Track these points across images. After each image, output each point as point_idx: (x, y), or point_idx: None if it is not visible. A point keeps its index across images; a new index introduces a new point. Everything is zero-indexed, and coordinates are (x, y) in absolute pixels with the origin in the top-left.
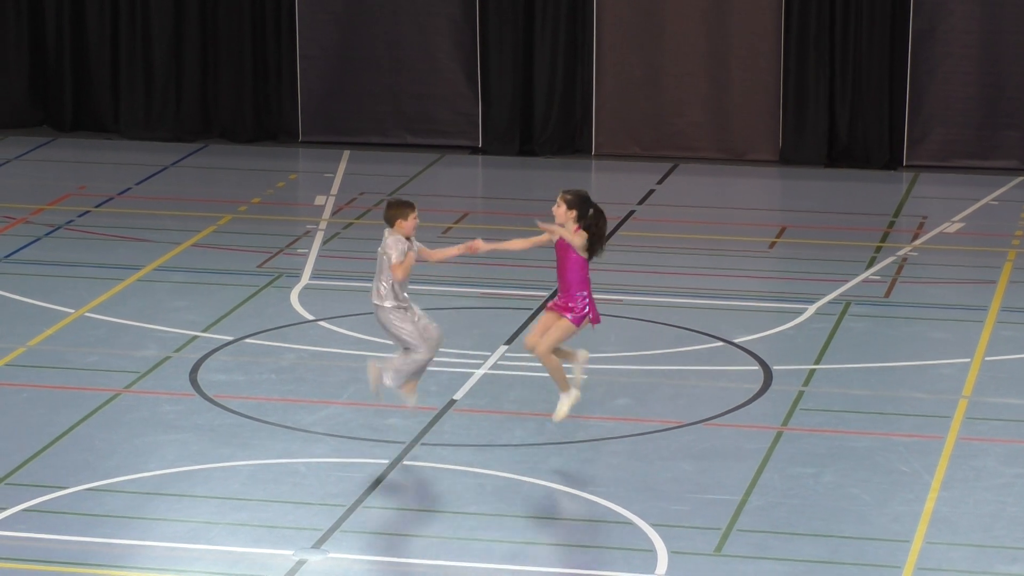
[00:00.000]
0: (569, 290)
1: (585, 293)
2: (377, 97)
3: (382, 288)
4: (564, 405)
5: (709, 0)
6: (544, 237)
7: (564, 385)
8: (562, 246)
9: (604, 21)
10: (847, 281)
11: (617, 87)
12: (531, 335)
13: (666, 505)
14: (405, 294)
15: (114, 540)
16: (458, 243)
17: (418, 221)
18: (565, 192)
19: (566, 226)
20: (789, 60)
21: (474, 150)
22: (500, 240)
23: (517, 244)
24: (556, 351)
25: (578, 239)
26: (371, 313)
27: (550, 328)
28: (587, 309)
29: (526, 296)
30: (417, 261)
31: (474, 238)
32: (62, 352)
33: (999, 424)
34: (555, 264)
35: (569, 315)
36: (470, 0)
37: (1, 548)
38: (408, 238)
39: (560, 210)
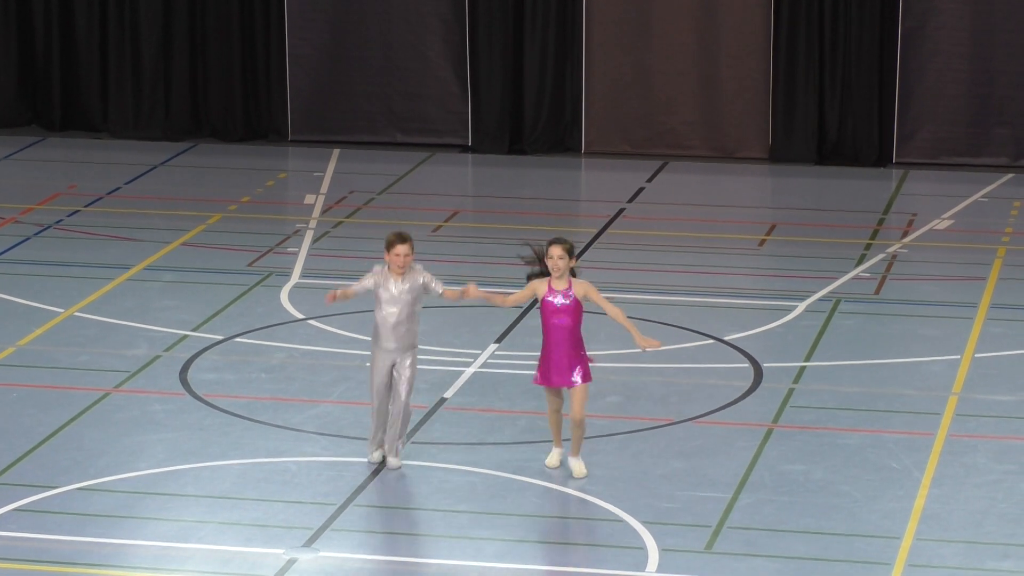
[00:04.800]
0: (582, 347)
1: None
2: (367, 96)
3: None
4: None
5: None
6: (527, 294)
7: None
8: (560, 300)
9: (593, 20)
10: (837, 278)
11: (607, 85)
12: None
13: (657, 503)
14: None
15: (105, 539)
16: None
17: (401, 257)
18: (562, 242)
19: (562, 277)
20: (779, 58)
21: (464, 148)
22: (496, 293)
23: (500, 300)
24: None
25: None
26: (363, 311)
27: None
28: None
29: None
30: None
31: (469, 281)
32: (52, 352)
33: (989, 421)
34: (559, 321)
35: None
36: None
37: None
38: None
39: (564, 262)
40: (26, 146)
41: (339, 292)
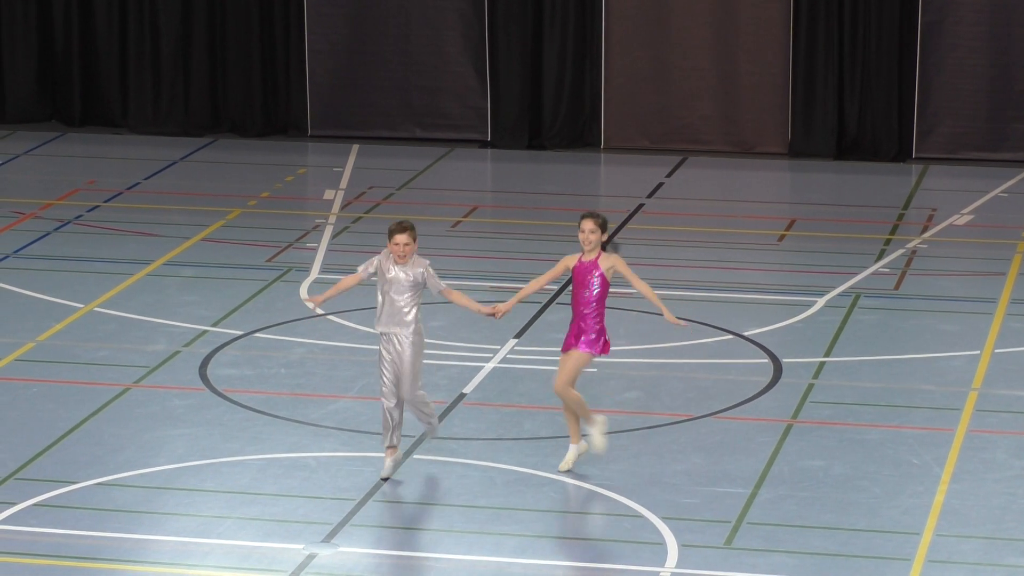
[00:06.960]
0: (600, 317)
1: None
2: (386, 91)
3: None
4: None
5: None
6: (558, 269)
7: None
8: (586, 272)
9: (612, 15)
10: (856, 274)
11: (626, 80)
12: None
13: (676, 498)
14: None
15: (124, 535)
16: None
17: (400, 246)
18: (593, 216)
19: (593, 251)
20: (798, 53)
21: (483, 144)
22: (516, 294)
23: (533, 286)
24: (577, 410)
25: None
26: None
27: (572, 366)
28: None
29: None
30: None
31: (494, 303)
32: (72, 347)
33: (1009, 416)
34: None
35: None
36: None
37: (12, 543)
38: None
39: (596, 235)
40: (46, 141)
41: (319, 298)
